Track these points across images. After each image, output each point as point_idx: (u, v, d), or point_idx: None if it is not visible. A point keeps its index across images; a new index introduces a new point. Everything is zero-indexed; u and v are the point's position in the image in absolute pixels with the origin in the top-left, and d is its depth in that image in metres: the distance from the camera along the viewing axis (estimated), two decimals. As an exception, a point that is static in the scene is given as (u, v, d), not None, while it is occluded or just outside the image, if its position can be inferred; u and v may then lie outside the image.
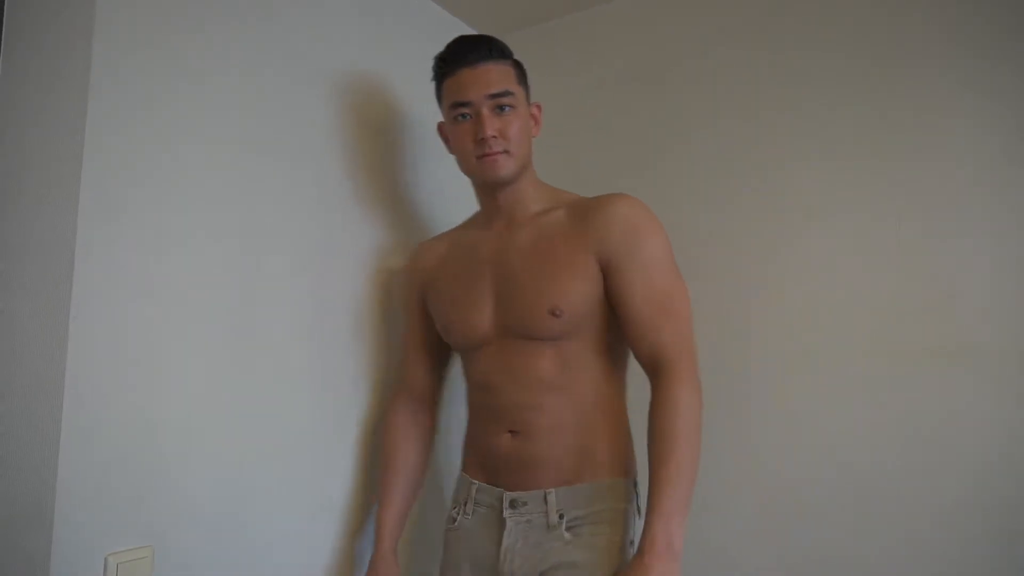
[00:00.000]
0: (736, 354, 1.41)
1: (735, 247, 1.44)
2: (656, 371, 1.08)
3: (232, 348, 1.15)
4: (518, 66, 1.22)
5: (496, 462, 1.17)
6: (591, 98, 1.53)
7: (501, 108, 1.15)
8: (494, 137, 1.14)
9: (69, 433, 0.93)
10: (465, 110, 1.16)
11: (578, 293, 1.11)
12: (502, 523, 1.13)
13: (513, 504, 1.13)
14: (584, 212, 1.15)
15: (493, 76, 1.15)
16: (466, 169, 1.22)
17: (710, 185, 1.48)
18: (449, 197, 1.69)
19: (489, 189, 1.22)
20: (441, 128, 1.27)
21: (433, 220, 1.61)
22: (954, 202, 1.24)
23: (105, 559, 0.96)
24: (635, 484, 1.16)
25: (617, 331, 1.14)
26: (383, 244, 1.47)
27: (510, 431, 1.15)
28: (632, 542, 1.08)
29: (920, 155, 1.28)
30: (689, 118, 1.53)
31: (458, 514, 1.21)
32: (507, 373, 1.16)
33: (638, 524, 1.05)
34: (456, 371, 1.37)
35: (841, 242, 1.33)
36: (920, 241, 1.26)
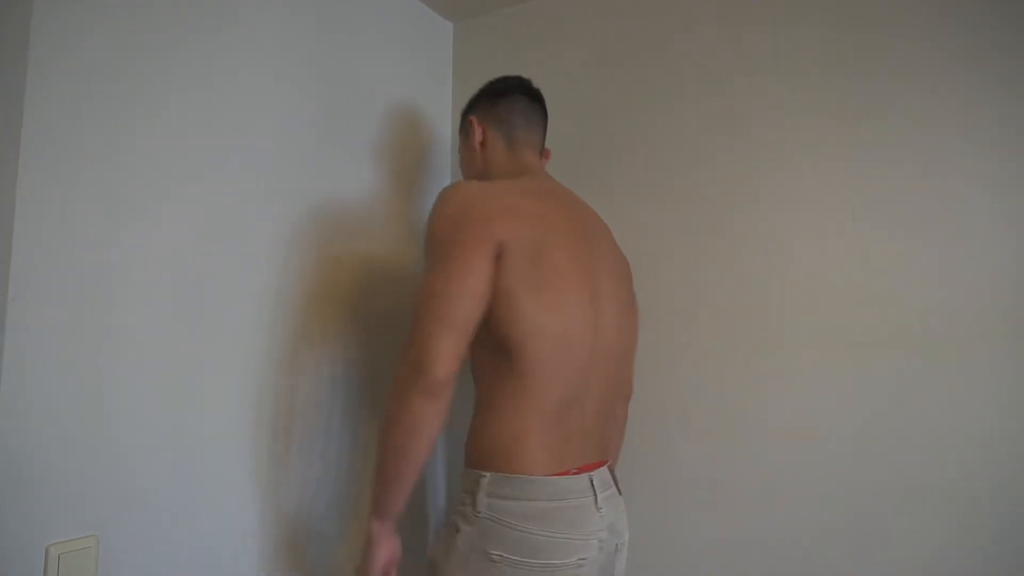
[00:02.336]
0: (688, 341, 1.42)
1: (690, 235, 1.44)
2: None
3: (182, 331, 1.12)
4: (467, 106, 1.37)
5: None
6: (554, 84, 1.52)
7: None
8: None
9: (7, 418, 0.89)
10: None
11: None
12: None
13: None
14: None
15: None
16: None
17: (669, 173, 1.48)
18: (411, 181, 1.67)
19: None
20: None
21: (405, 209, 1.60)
22: (904, 197, 1.26)
23: (46, 549, 0.92)
24: (484, 478, 1.07)
25: (486, 327, 1.09)
26: (348, 230, 1.45)
27: None
28: (458, 528, 1.05)
29: (873, 151, 1.29)
30: (650, 105, 1.53)
31: None
32: None
33: (472, 515, 1.04)
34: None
35: (796, 232, 1.35)
36: (873, 233, 1.28)
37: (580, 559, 1.03)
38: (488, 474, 1.05)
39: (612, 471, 1.19)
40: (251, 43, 1.27)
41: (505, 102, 1.32)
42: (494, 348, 1.09)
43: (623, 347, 1.23)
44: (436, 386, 1.01)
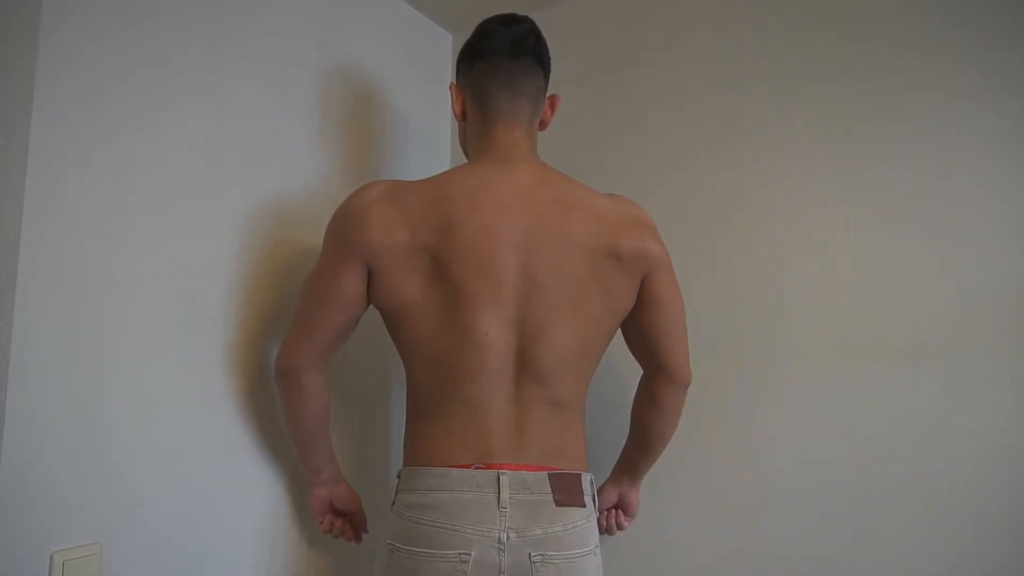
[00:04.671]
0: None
1: (686, 244, 1.44)
2: None
3: (184, 340, 1.13)
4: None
5: None
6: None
7: None
8: None
9: (12, 425, 0.90)
10: None
11: None
12: None
13: None
14: None
15: None
16: None
17: (664, 181, 1.49)
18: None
19: None
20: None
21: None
22: (903, 203, 1.27)
23: (51, 556, 0.93)
24: (399, 474, 1.12)
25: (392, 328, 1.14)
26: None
27: None
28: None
29: (870, 157, 1.30)
30: (646, 115, 1.53)
31: None
32: None
33: (390, 510, 1.09)
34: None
35: (793, 240, 1.35)
36: (868, 243, 1.28)
37: (463, 553, 0.98)
38: (401, 470, 1.11)
39: (571, 480, 1.06)
40: (252, 55, 1.28)
41: (482, 67, 1.12)
42: (401, 354, 1.14)
43: (583, 346, 1.11)
44: (280, 374, 1.11)
